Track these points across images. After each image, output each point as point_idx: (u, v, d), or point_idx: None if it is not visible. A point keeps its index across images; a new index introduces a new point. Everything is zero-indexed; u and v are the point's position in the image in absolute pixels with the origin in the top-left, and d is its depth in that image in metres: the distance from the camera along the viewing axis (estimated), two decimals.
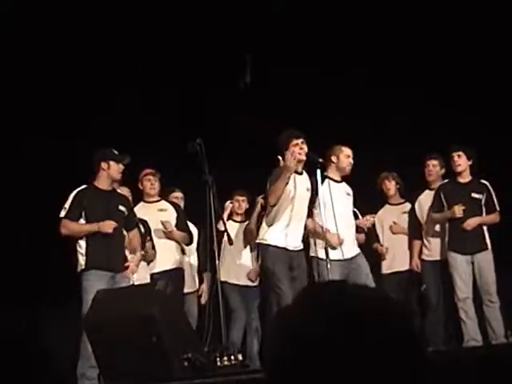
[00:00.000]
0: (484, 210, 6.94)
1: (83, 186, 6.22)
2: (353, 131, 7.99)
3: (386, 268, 7.53)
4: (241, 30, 8.12)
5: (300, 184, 6.21)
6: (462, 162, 6.93)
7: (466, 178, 6.99)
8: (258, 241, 6.29)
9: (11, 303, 6.79)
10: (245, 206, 7.66)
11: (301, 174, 6.27)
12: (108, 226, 6.04)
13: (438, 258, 7.11)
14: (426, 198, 7.32)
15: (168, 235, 7.08)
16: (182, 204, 7.51)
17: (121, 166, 6.22)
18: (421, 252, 7.34)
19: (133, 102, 8.27)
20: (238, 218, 7.66)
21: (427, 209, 7.24)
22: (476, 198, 6.92)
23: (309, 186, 6.26)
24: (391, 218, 7.61)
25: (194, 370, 5.01)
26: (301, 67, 8.17)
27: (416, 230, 7.37)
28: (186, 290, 7.18)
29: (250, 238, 7.39)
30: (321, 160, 6.02)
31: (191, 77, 8.17)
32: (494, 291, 6.74)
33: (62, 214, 6.09)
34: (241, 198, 7.64)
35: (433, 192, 7.24)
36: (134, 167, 6.93)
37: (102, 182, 6.24)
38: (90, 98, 8.12)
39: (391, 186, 7.63)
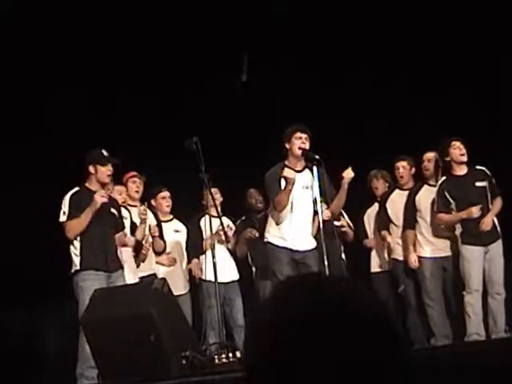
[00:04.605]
0: (489, 196, 6.74)
1: (76, 189, 6.08)
2: (352, 131, 8.02)
3: (376, 266, 7.52)
4: (240, 29, 8.12)
5: (296, 183, 6.15)
6: (465, 151, 6.73)
7: (463, 169, 6.79)
8: (265, 239, 6.34)
9: (11, 303, 6.80)
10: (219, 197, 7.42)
11: (298, 171, 6.24)
12: (99, 197, 5.86)
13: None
14: (397, 198, 7.24)
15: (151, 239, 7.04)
16: (169, 203, 7.46)
17: (109, 168, 6.07)
18: (390, 252, 7.30)
19: (132, 102, 8.28)
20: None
21: (401, 208, 7.13)
22: (481, 187, 6.72)
23: (308, 183, 6.20)
24: None
25: (192, 367, 5.02)
26: (300, 67, 8.17)
27: (386, 229, 7.31)
28: (179, 292, 6.98)
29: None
30: (317, 157, 6.01)
31: (189, 76, 8.18)
32: (502, 283, 6.62)
33: (64, 218, 5.94)
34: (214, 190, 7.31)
35: (404, 192, 7.18)
36: (129, 166, 6.93)
37: (93, 185, 6.10)
38: (90, 97, 8.13)
39: (379, 185, 7.56)
